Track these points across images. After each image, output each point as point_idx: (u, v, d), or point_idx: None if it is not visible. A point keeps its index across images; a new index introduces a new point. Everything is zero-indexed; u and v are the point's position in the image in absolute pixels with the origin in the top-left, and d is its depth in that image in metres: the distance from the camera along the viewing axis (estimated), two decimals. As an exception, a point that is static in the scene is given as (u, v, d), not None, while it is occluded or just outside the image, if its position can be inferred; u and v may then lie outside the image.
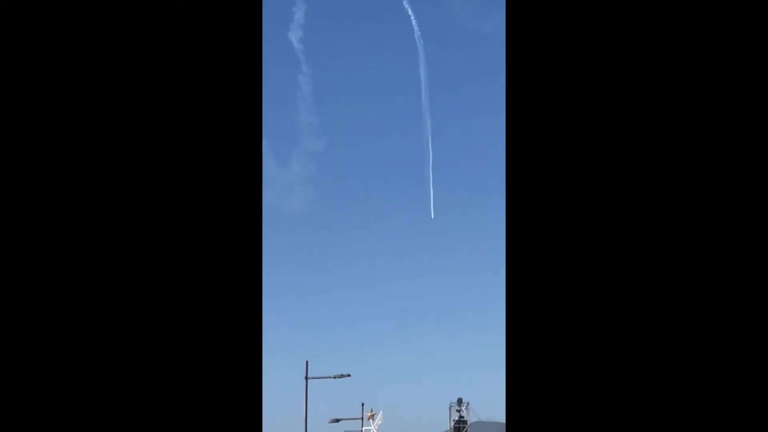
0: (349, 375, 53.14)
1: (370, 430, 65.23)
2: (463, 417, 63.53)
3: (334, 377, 52.63)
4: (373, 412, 66.12)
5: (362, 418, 65.15)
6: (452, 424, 63.43)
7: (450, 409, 63.98)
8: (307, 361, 51.14)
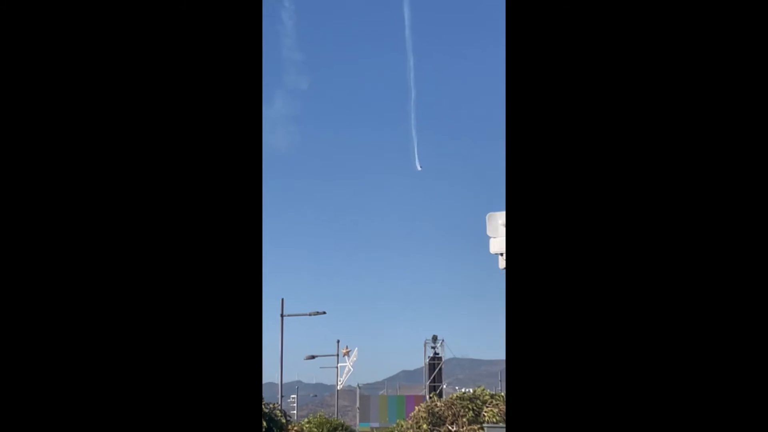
0: (324, 312, 53.43)
1: (345, 366, 65.91)
2: (437, 354, 64.23)
3: (310, 314, 52.87)
4: (348, 349, 66.71)
5: (338, 355, 65.76)
6: (427, 360, 64.14)
7: (425, 345, 64.62)
8: (282, 299, 51.39)
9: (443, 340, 64.33)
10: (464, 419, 33.92)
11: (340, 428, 38.43)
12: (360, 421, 62.35)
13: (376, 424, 60.59)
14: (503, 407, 32.14)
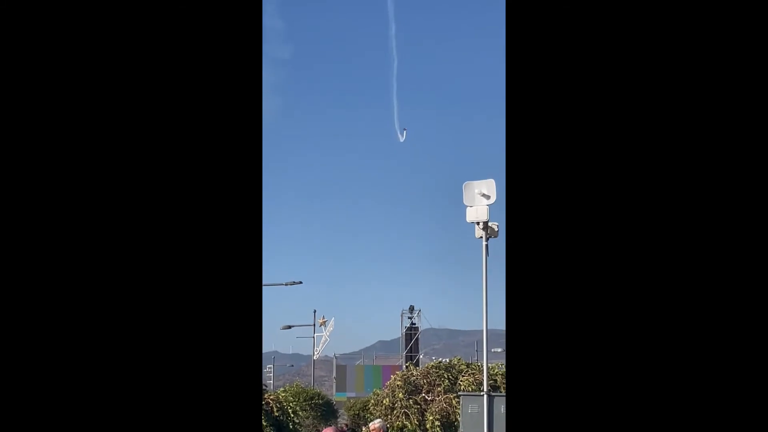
0: (300, 282, 53.27)
1: (321, 336, 65.91)
2: (414, 324, 64.35)
3: (286, 284, 52.68)
4: (325, 319, 66.69)
5: (314, 325, 65.73)
6: (404, 330, 64.24)
7: (402, 316, 64.72)
8: (258, 268, 50.92)
9: (420, 311, 64.45)
10: (440, 388, 34.02)
11: (317, 398, 38.47)
12: (336, 390, 62.50)
13: (352, 394, 60.74)
14: (479, 376, 32.25)
